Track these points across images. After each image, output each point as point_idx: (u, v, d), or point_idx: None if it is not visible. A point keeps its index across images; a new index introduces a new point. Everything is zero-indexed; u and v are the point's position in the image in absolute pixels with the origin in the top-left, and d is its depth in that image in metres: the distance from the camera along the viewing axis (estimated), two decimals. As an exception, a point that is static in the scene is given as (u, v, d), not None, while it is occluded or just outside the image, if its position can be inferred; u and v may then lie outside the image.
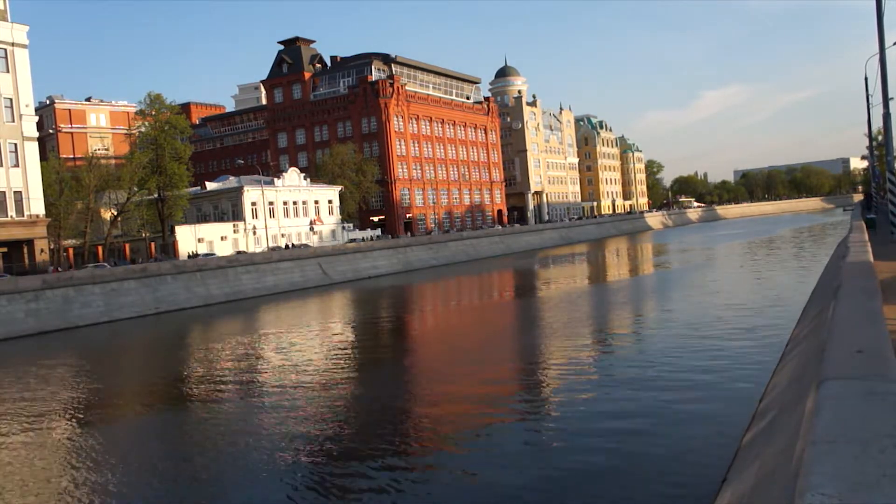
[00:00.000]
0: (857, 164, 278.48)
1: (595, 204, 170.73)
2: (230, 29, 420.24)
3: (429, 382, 22.27)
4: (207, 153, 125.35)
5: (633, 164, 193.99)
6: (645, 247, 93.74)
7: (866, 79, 42.93)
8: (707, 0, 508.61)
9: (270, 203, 77.70)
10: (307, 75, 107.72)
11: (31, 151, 55.48)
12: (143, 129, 70.29)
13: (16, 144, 54.08)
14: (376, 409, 18.95)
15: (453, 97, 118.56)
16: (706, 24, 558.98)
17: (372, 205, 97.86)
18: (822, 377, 4.11)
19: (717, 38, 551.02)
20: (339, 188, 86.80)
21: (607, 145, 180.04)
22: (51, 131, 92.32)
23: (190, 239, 68.28)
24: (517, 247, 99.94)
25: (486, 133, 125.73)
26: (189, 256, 64.06)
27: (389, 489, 12.82)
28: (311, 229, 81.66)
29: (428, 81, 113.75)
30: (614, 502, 11.63)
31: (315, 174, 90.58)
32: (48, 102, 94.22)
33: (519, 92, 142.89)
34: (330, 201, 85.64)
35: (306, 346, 31.72)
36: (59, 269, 56.04)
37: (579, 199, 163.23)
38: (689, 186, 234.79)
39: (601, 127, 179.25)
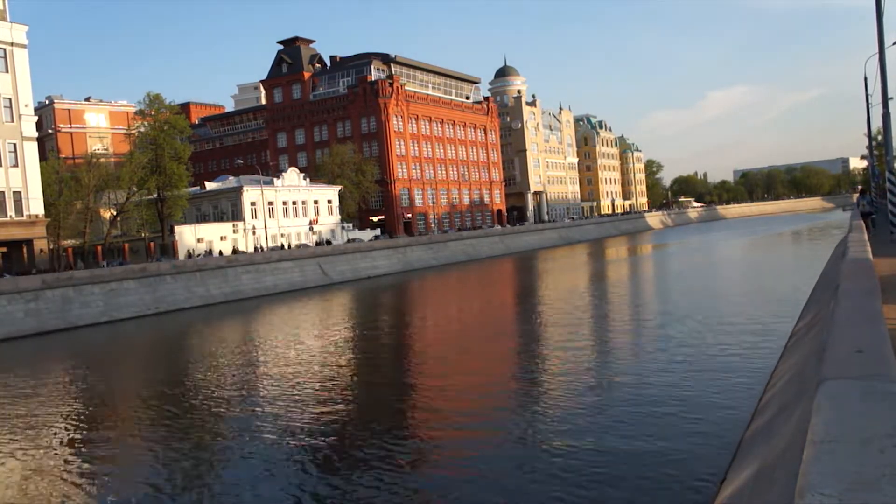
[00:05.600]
0: (857, 164, 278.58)
1: (595, 204, 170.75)
2: (230, 29, 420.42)
3: (428, 383, 22.25)
4: (207, 153, 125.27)
5: (633, 163, 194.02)
6: (645, 247, 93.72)
7: (866, 79, 43.00)
8: (713, 1, 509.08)
9: (270, 203, 77.67)
10: (307, 75, 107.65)
11: (31, 151, 55.46)
12: (142, 129, 70.24)
13: (15, 144, 54.07)
14: (377, 412, 18.96)
15: (453, 97, 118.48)
16: (712, 24, 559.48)
17: (371, 205, 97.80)
18: (822, 377, 4.10)
19: (724, 38, 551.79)
20: (338, 188, 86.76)
21: (607, 145, 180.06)
22: (50, 131, 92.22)
23: (190, 239, 68.25)
24: (517, 247, 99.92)
25: (485, 133, 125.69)
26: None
27: (390, 493, 12.82)
28: (311, 229, 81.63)
29: (427, 81, 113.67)
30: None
31: (314, 174, 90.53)
32: (47, 102, 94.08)
33: (518, 92, 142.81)
34: (329, 201, 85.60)
35: (305, 347, 31.69)
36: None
37: (579, 199, 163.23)
38: (688, 186, 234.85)
39: (601, 127, 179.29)
